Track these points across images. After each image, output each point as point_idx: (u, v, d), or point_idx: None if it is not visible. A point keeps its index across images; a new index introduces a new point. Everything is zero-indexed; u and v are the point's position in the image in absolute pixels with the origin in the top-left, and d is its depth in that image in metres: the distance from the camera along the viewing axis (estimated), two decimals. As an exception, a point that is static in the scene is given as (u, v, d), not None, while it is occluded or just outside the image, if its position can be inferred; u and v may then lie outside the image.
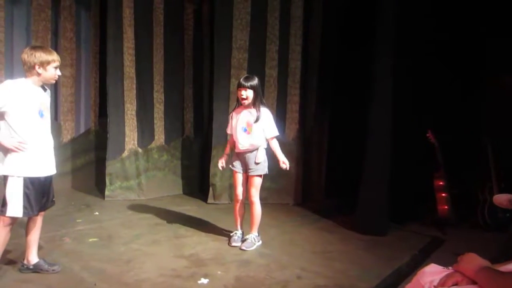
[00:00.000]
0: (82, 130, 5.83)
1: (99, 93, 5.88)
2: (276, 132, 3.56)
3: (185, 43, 5.77)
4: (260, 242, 3.66)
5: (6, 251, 2.91)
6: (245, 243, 3.57)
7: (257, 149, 3.50)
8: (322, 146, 5.51)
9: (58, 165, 2.88)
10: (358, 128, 4.43)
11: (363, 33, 4.86)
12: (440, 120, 4.68)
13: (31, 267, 2.84)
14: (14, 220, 2.63)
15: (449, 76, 4.85)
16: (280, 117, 5.17)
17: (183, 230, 4.00)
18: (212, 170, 5.17)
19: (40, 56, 2.62)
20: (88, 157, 5.84)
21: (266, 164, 3.56)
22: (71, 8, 5.57)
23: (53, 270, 2.86)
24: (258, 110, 3.47)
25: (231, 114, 3.70)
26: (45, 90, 2.79)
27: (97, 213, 4.51)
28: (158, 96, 5.48)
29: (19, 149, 2.55)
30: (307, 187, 5.43)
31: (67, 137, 5.64)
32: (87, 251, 3.33)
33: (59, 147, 5.44)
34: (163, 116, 5.53)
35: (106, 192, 5.11)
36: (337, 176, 5.35)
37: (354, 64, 5.10)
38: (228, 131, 3.74)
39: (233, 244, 3.61)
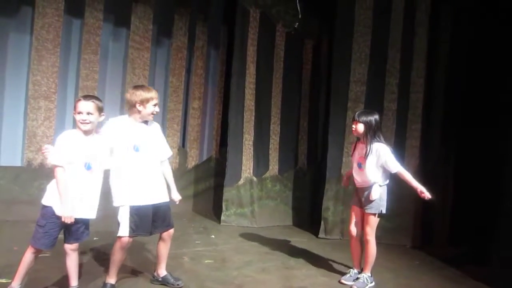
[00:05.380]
0: (204, 157, 6.33)
1: (221, 124, 6.35)
2: (397, 167, 3.33)
3: (303, 77, 5.95)
4: (373, 283, 3.45)
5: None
6: (356, 282, 3.40)
7: (371, 186, 3.36)
8: (446, 184, 5.02)
9: (182, 189, 3.12)
10: (491, 166, 3.96)
11: (496, 66, 4.44)
12: None
13: (159, 279, 3.14)
14: (125, 242, 2.84)
15: None
16: (399, 152, 4.88)
17: (292, 261, 3.98)
18: (324, 204, 5.09)
19: (141, 94, 2.85)
20: (208, 183, 6.28)
21: (383, 203, 3.38)
22: (203, 48, 6.23)
23: (177, 284, 3.12)
24: (368, 146, 3.36)
25: (353, 147, 3.64)
26: (146, 123, 2.96)
27: (213, 236, 4.78)
28: (275, 128, 5.69)
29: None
30: (427, 230, 4.97)
31: (191, 163, 6.16)
32: (203, 272, 3.52)
33: (184, 173, 5.99)
34: (278, 147, 5.71)
35: (222, 217, 5.39)
36: (465, 220, 4.79)
37: (486, 98, 4.65)
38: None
39: (344, 281, 3.47)
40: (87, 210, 2.66)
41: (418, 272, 3.96)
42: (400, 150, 4.93)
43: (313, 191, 5.84)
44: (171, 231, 3.08)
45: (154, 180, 2.96)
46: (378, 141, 3.38)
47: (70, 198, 2.55)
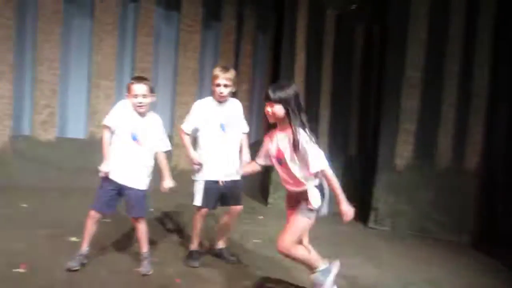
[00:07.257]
0: (252, 140, 6.33)
1: (269, 107, 6.32)
2: (318, 166, 2.42)
3: (353, 63, 5.78)
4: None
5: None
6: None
7: (304, 190, 2.52)
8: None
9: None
10: None
11: None
12: None
13: (216, 251, 3.30)
14: (200, 211, 3.09)
15: None
16: (459, 145, 4.65)
17: (340, 248, 3.87)
18: (375, 194, 4.92)
19: (213, 73, 3.03)
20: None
21: (324, 207, 2.62)
22: (252, 32, 6.22)
23: (231, 260, 3.25)
24: (294, 133, 2.42)
25: (266, 138, 2.70)
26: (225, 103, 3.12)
27: (261, 217, 4.84)
28: (324, 114, 5.59)
29: (194, 165, 3.05)
30: (490, 227, 4.56)
31: (238, 145, 6.20)
32: (252, 250, 3.60)
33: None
34: (327, 133, 5.61)
35: (269, 199, 5.43)
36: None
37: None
38: (260, 161, 2.76)
39: None
40: (133, 179, 2.79)
41: (476, 272, 3.64)
42: (460, 143, 4.66)
43: (363, 179, 5.68)
44: (239, 208, 3.22)
45: (233, 158, 3.12)
46: (300, 125, 2.45)
47: (110, 157, 2.77)
